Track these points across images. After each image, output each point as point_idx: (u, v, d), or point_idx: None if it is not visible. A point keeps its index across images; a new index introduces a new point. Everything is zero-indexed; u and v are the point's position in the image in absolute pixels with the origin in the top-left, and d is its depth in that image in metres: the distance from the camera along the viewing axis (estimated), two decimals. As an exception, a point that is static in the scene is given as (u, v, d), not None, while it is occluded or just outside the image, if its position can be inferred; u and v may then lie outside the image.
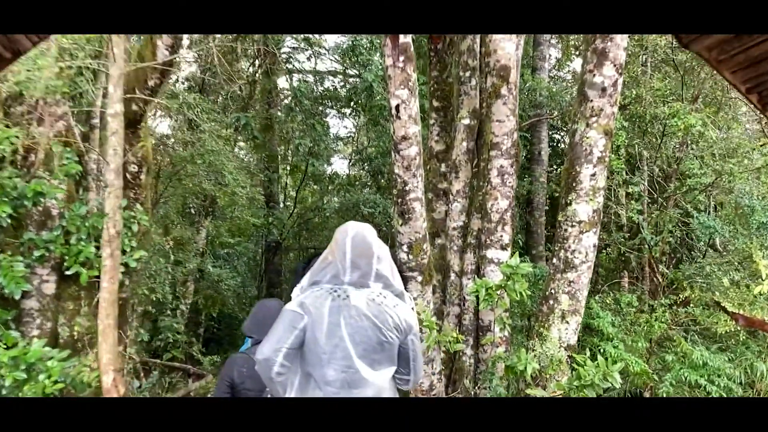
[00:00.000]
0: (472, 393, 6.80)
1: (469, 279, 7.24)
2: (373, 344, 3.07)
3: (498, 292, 6.34)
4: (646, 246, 9.30)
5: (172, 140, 15.22)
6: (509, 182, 6.98)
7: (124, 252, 7.44)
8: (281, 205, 23.27)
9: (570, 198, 6.62)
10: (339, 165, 24.86)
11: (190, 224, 15.18)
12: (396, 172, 6.16)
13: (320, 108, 19.58)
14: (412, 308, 3.36)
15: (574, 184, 6.57)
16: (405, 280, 6.52)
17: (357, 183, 18.48)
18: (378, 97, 15.13)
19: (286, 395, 3.13)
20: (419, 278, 6.51)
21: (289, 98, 20.13)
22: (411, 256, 6.43)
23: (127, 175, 7.76)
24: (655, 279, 9.35)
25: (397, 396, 3.35)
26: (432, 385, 6.61)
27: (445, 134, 7.93)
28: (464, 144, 7.51)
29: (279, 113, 20.33)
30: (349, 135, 22.42)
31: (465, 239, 7.47)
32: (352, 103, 19.17)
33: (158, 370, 15.78)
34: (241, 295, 23.60)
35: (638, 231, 9.50)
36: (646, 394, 8.24)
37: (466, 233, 7.49)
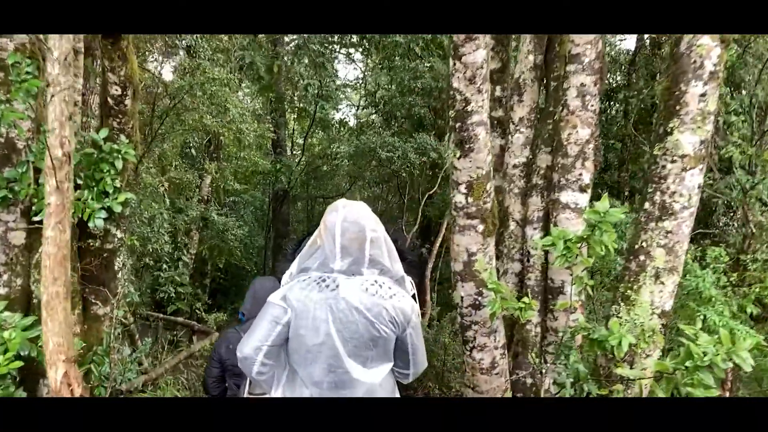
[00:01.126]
0: (542, 371, 5.28)
1: (535, 229, 5.64)
2: (365, 341, 2.73)
3: (579, 246, 4.76)
4: (740, 188, 7.65)
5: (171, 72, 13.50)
6: (591, 106, 5.26)
7: (106, 194, 5.88)
8: (288, 152, 21.60)
9: (671, 125, 4.95)
10: (348, 113, 22.97)
11: (191, 167, 13.52)
12: (455, 86, 4.54)
13: (329, 49, 17.73)
14: (414, 295, 2.95)
15: (677, 108, 4.88)
16: (461, 229, 4.97)
17: (369, 129, 16.75)
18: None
19: (273, 392, 2.85)
20: (480, 227, 4.93)
21: (296, 38, 18.34)
22: (470, 199, 4.86)
23: (108, 99, 6.12)
24: (747, 228, 7.72)
25: (396, 393, 2.99)
26: (494, 362, 5.10)
27: (500, 48, 6.21)
28: (530, 58, 5.80)
29: (285, 55, 18.55)
30: (356, 81, 20.46)
31: (529, 179, 5.84)
32: (364, 41, 17.35)
33: (161, 325, 14.45)
34: (248, 246, 22.24)
35: (730, 169, 7.90)
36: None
37: (530, 172, 5.86)
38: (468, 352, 5.09)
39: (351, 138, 14.60)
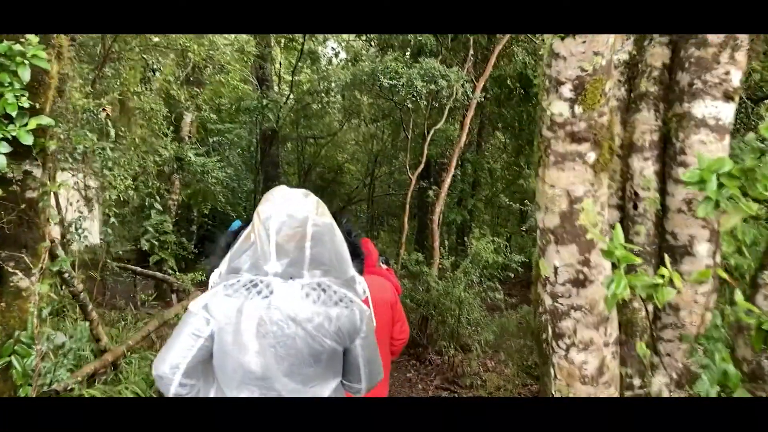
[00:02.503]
0: (651, 368, 3.43)
1: (646, 159, 3.65)
2: (305, 357, 2.23)
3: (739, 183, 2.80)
4: None
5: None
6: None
7: (9, 119, 3.89)
8: (276, 88, 19.35)
9: None
10: (339, 44, 20.56)
11: (165, 99, 11.34)
12: None
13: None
14: (366, 297, 2.42)
15: None
16: (560, 159, 3.02)
17: (364, 60, 14.51)
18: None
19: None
20: (590, 156, 2.95)
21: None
22: (578, 109, 2.86)
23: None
24: None
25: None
26: (603, 365, 3.18)
27: None
28: None
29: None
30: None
31: (633, 85, 3.83)
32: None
33: (138, 280, 12.61)
34: (236, 190, 20.30)
35: None
36: None
37: (635, 74, 3.83)
38: (561, 352, 3.17)
39: (344, 70, 12.44)
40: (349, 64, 12.12)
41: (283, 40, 18.14)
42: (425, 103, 11.26)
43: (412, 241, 18.90)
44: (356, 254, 2.57)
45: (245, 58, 19.00)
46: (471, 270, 10.28)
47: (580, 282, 3.07)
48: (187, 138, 15.40)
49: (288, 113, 18.82)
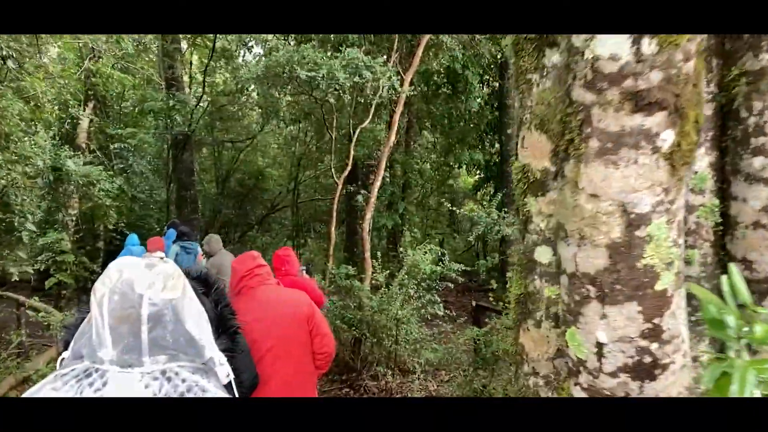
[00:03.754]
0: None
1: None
2: None
3: None
4: None
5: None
6: None
7: None
8: (187, 89, 17.49)
9: None
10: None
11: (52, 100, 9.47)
12: None
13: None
14: (229, 381, 2.07)
15: None
16: (608, 147, 1.58)
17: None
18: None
19: None
20: (665, 136, 1.55)
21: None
22: (651, 44, 1.47)
23: None
24: None
25: None
26: None
27: None
28: None
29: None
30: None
31: None
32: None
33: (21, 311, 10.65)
34: (147, 201, 18.33)
35: None
36: None
37: None
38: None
39: (258, 64, 10.85)
40: (263, 58, 10.56)
41: (191, 38, 16.24)
42: (349, 98, 9.80)
43: (340, 249, 17.55)
44: (225, 329, 2.32)
45: (148, 56, 17.15)
46: (407, 283, 8.93)
47: (644, 370, 1.67)
48: (84, 146, 13.47)
49: (202, 115, 17.04)
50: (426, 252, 8.95)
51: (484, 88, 13.88)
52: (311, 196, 21.60)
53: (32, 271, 11.76)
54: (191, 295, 2.06)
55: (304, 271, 6.45)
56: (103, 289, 1.98)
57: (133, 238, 9.23)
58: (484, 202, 9.33)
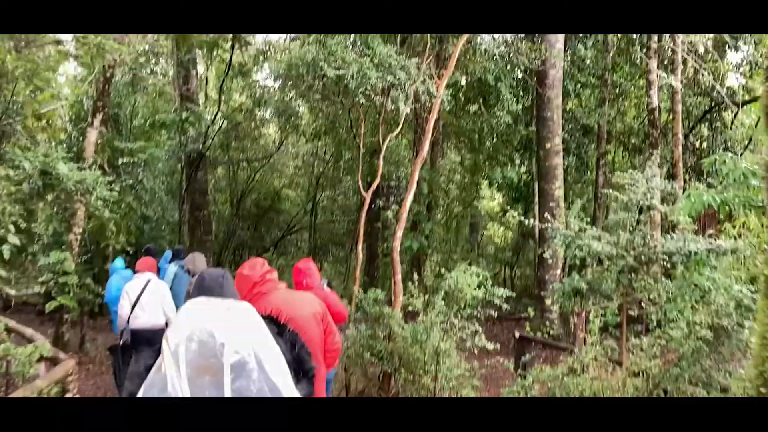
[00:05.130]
0: None
1: None
2: None
3: None
4: None
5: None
6: None
7: None
8: (202, 107, 16.34)
9: None
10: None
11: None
12: None
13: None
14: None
15: None
16: None
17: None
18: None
19: None
20: None
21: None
22: None
23: None
24: None
25: None
26: None
27: None
28: None
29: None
30: None
31: None
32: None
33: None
34: (160, 222, 17.10)
35: None
36: None
37: None
38: None
39: (279, 61, 9.62)
40: (285, 56, 9.33)
41: (206, 49, 15.15)
42: (381, 100, 8.53)
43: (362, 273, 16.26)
44: (304, 372, 2.27)
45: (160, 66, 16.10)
46: (446, 310, 7.59)
47: None
48: (91, 159, 12.27)
49: (217, 133, 15.92)
50: (472, 274, 7.60)
51: (518, 102, 12.64)
52: (329, 217, 20.38)
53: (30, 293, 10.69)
54: (271, 340, 1.99)
55: (326, 284, 5.98)
56: (177, 336, 1.87)
57: (119, 261, 8.19)
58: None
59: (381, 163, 9.29)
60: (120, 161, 12.83)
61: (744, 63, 13.24)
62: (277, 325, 2.23)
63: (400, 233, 8.96)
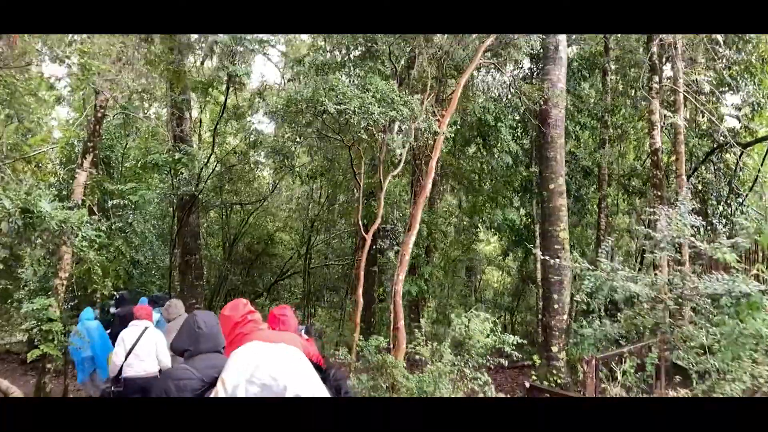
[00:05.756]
0: None
1: None
2: None
3: None
4: None
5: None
6: None
7: None
8: (195, 147, 15.90)
9: None
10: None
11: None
12: None
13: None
14: None
15: None
16: None
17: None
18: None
19: None
20: None
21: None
22: None
23: None
24: None
25: None
26: None
27: None
28: None
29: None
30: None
31: None
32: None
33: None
34: (150, 267, 16.44)
35: None
36: None
37: None
38: None
39: (277, 97, 9.24)
40: (283, 92, 8.93)
41: (200, 90, 14.77)
42: (383, 137, 8.11)
43: (353, 319, 15.63)
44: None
45: (156, 111, 15.73)
46: (455, 359, 7.03)
47: None
48: (80, 202, 11.76)
49: (211, 176, 15.45)
50: (483, 320, 7.07)
51: (518, 142, 12.30)
52: (322, 261, 19.78)
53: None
54: (322, 384, 2.05)
55: (303, 331, 5.90)
56: (236, 379, 1.92)
57: (87, 312, 7.85)
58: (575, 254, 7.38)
59: (381, 202, 8.82)
60: (110, 203, 12.32)
61: (744, 104, 13.00)
62: (320, 371, 2.19)
63: (401, 276, 8.44)
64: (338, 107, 7.30)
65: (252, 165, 16.51)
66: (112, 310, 8.02)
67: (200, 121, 17.57)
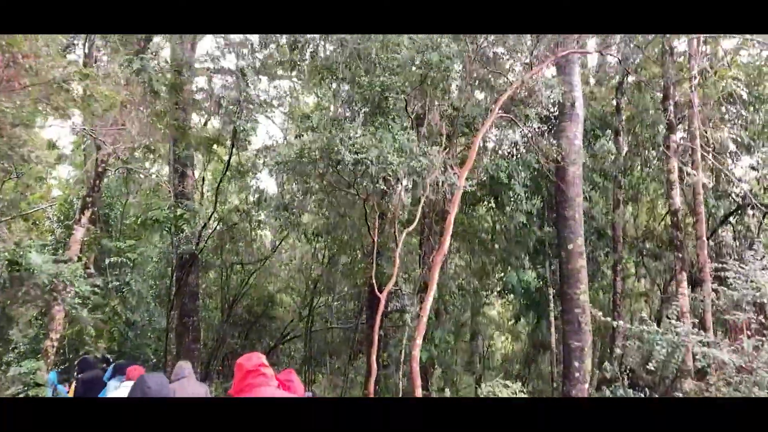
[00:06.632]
0: None
1: None
2: None
3: None
4: None
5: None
6: None
7: None
8: (196, 204, 15.37)
9: None
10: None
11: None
12: None
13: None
14: None
15: None
16: None
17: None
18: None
19: None
20: None
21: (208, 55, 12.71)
22: None
23: None
24: None
25: None
26: None
27: None
28: None
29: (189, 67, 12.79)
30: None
31: None
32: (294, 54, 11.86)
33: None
34: (146, 329, 15.66)
35: None
36: None
37: None
38: None
39: (288, 147, 8.79)
40: (296, 140, 8.51)
41: (204, 147, 14.37)
42: (402, 187, 7.59)
43: (359, 388, 14.77)
44: None
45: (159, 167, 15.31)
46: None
47: None
48: (76, 258, 11.16)
49: (211, 235, 14.87)
50: (514, 391, 6.37)
51: (533, 200, 11.79)
52: (324, 325, 18.94)
53: None
54: None
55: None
56: None
57: (52, 376, 7.28)
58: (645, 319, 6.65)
59: (397, 261, 8.20)
60: (107, 261, 11.69)
61: (762, 165, 12.62)
62: None
63: (419, 340, 7.75)
64: (356, 156, 6.80)
65: (254, 224, 15.98)
66: (76, 374, 7.32)
67: (203, 179, 17.12)
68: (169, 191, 13.62)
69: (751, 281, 4.46)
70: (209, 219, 14.81)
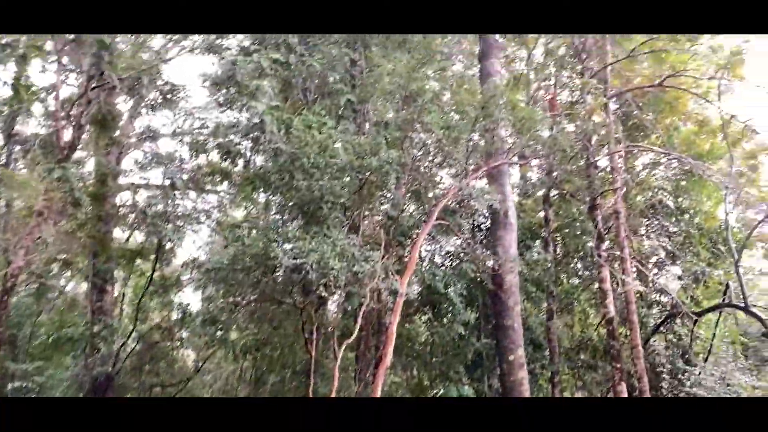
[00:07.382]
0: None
1: None
2: None
3: None
4: None
5: None
6: None
7: None
8: (115, 321, 14.27)
9: None
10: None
11: None
12: None
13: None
14: None
15: None
16: None
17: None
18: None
19: None
20: None
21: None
22: None
23: None
24: None
25: None
26: None
27: None
28: None
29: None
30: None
31: None
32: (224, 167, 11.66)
33: None
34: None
35: None
36: None
37: None
38: None
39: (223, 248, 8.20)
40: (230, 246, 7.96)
41: (126, 260, 13.55)
42: (341, 295, 7.17)
43: None
44: None
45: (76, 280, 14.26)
46: None
47: None
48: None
49: (130, 355, 13.72)
50: None
51: (471, 310, 11.54)
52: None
53: None
54: None
55: None
56: None
57: None
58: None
59: (337, 375, 7.60)
60: (9, 386, 10.43)
61: (686, 273, 12.97)
62: None
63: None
64: (294, 261, 6.39)
65: (177, 342, 14.93)
66: None
67: (123, 294, 16.05)
68: (86, 307, 12.58)
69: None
70: (128, 337, 13.73)
